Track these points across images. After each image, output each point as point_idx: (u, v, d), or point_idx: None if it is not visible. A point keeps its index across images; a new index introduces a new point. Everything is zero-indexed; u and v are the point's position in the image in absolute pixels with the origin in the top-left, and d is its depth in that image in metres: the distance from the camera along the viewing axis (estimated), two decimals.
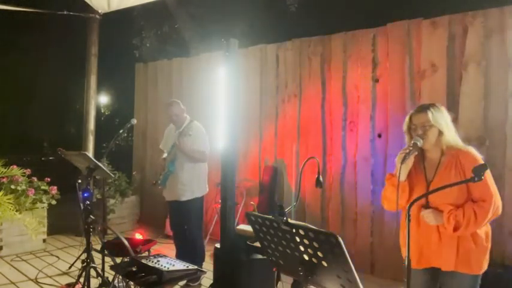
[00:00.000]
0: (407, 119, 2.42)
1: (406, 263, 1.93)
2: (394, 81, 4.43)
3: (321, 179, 2.81)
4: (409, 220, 1.91)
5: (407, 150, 2.25)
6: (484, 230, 2.30)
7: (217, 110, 5.64)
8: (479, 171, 1.91)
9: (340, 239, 1.56)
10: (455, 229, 2.20)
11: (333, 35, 4.90)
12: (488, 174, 2.21)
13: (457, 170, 2.27)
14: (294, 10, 7.14)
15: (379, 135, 4.53)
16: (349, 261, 1.57)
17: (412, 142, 2.29)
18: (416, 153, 2.31)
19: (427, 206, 2.29)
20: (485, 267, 2.31)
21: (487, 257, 2.32)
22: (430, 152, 2.39)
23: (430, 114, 2.31)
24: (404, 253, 2.47)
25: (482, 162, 2.25)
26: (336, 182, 4.85)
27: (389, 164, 4.40)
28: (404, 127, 2.43)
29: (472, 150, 2.32)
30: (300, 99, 5.17)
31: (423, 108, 2.36)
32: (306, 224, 1.81)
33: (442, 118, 2.34)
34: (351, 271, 1.59)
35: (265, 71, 5.54)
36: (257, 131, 5.59)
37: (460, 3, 4.38)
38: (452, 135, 2.35)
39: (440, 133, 2.32)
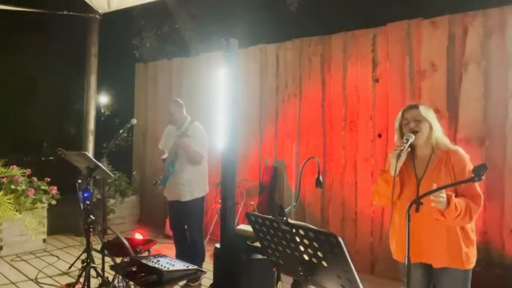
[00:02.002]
0: (399, 115, 2.52)
1: (406, 263, 1.93)
2: (394, 81, 4.43)
3: (321, 179, 2.81)
4: (409, 220, 1.92)
5: (402, 147, 2.30)
6: (469, 225, 2.37)
7: (217, 110, 5.65)
8: (479, 171, 1.91)
9: (340, 239, 1.56)
10: (455, 218, 2.24)
11: (333, 35, 4.90)
12: None
13: (447, 167, 2.35)
14: (294, 10, 7.13)
15: (379, 135, 4.53)
16: (349, 261, 1.57)
17: (405, 138, 2.36)
18: (409, 149, 2.37)
19: (418, 201, 2.31)
20: (473, 261, 2.37)
21: (475, 251, 2.38)
22: (421, 149, 2.47)
23: (421, 108, 2.45)
24: (392, 246, 2.57)
25: (469, 161, 2.35)
26: (336, 182, 4.85)
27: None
28: (396, 124, 2.52)
29: (461, 150, 2.41)
30: (300, 99, 5.17)
31: (414, 105, 2.52)
32: (306, 224, 1.81)
33: (431, 114, 2.46)
34: (351, 271, 1.59)
35: (265, 71, 5.54)
36: (257, 131, 5.59)
37: (460, 3, 4.38)
38: (440, 133, 2.45)
39: (431, 129, 2.41)
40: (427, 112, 2.44)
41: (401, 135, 2.47)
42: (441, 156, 2.38)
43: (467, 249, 2.34)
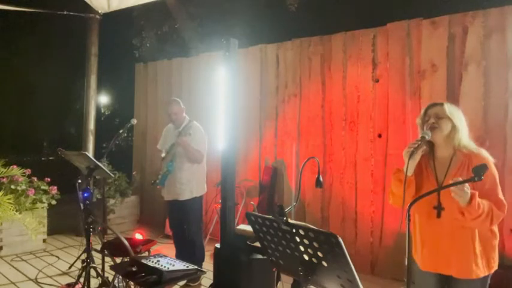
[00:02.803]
0: (422, 111, 2.37)
1: (406, 262, 1.91)
2: (394, 81, 4.43)
3: (321, 179, 2.81)
4: (409, 220, 1.88)
5: (416, 145, 2.15)
6: (491, 229, 2.27)
7: (217, 110, 5.64)
8: (479, 171, 1.89)
9: (340, 239, 1.55)
10: (475, 219, 2.08)
11: (333, 35, 4.90)
12: (497, 181, 2.19)
13: (469, 172, 2.16)
14: (294, 10, 7.14)
15: (379, 135, 4.53)
16: (349, 261, 1.57)
17: (421, 136, 2.22)
18: (424, 147, 2.25)
19: (439, 207, 2.22)
20: (495, 266, 2.26)
21: (496, 254, 2.27)
22: (441, 150, 2.31)
23: (446, 106, 2.28)
24: (417, 258, 2.38)
25: (492, 164, 2.20)
26: (336, 182, 4.85)
27: (389, 164, 4.40)
28: (418, 120, 2.37)
29: (485, 152, 2.25)
30: (300, 99, 5.17)
31: (440, 102, 2.34)
32: (306, 224, 1.81)
33: (457, 114, 2.29)
34: (351, 271, 1.59)
35: (265, 71, 5.54)
36: (257, 131, 5.59)
37: (460, 3, 4.38)
38: (465, 135, 2.29)
39: (454, 128, 2.25)
40: (452, 111, 2.27)
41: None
42: (463, 160, 2.22)
43: (489, 255, 2.23)
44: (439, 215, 2.22)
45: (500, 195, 2.19)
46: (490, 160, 2.22)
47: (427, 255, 2.31)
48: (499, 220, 2.17)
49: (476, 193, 2.07)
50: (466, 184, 2.00)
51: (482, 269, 2.22)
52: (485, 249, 2.23)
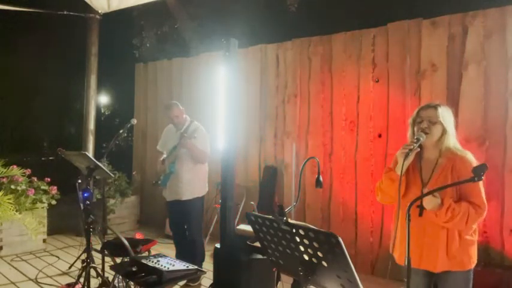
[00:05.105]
0: (414, 112, 2.43)
1: (406, 262, 1.93)
2: (394, 81, 4.44)
3: (321, 179, 2.81)
4: (409, 220, 1.91)
5: (411, 146, 2.24)
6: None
7: (217, 110, 5.65)
8: (479, 171, 1.90)
9: (340, 239, 1.56)
10: (447, 221, 2.22)
11: (333, 35, 4.91)
12: (480, 183, 2.23)
13: (453, 175, 2.28)
14: (294, 10, 7.13)
15: (379, 135, 4.54)
16: (349, 261, 1.57)
17: (415, 138, 2.29)
18: (418, 149, 2.32)
19: (421, 206, 2.29)
20: (475, 260, 2.34)
21: (475, 249, 2.35)
22: (428, 152, 2.40)
23: (439, 110, 2.34)
24: (395, 253, 2.50)
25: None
26: (336, 182, 4.85)
27: (389, 164, 4.39)
28: (410, 120, 2.44)
29: (469, 155, 2.33)
30: (300, 99, 5.17)
31: (433, 104, 2.39)
32: (306, 224, 1.81)
33: (448, 117, 2.37)
34: (351, 271, 1.59)
35: (265, 71, 5.54)
36: (257, 131, 5.59)
37: (460, 3, 4.38)
38: (453, 138, 2.36)
39: (444, 132, 2.32)
40: (444, 114, 2.34)
41: (414, 132, 2.39)
42: (448, 162, 2.30)
43: (467, 250, 2.30)
44: (420, 214, 2.31)
45: (482, 197, 2.26)
46: (474, 163, 2.28)
47: (410, 251, 2.36)
48: (476, 221, 2.27)
49: (449, 201, 2.20)
50: (437, 195, 2.17)
51: (463, 263, 2.30)
52: (464, 244, 2.30)
